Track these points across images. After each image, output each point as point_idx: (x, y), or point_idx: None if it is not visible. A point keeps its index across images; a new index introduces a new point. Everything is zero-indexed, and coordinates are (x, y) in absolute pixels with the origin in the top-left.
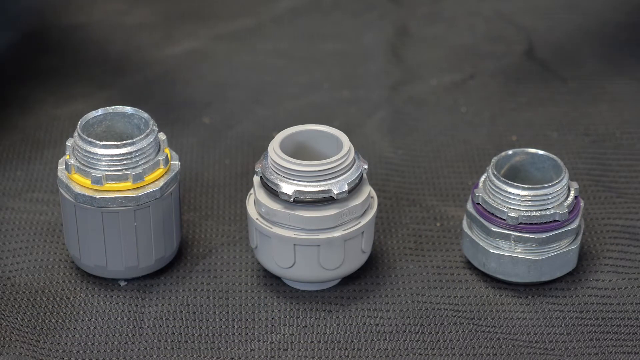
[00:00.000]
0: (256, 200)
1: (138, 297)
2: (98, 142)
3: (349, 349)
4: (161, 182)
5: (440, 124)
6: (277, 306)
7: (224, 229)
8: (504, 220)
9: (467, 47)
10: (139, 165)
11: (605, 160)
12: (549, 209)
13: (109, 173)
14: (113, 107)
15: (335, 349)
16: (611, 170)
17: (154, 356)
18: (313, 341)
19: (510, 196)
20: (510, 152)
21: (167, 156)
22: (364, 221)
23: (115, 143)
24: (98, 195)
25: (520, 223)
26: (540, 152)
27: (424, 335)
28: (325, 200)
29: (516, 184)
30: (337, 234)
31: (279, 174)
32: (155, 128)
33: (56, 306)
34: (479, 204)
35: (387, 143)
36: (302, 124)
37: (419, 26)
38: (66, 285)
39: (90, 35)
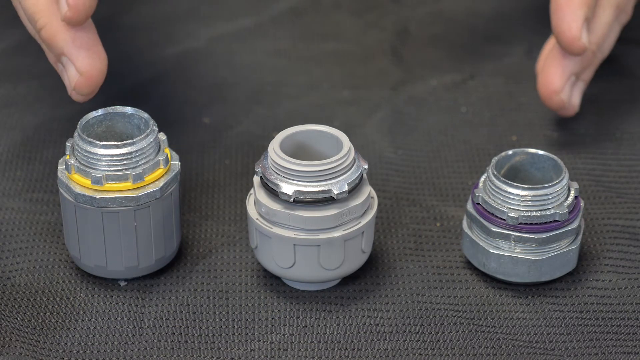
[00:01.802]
0: (256, 200)
1: (138, 297)
2: (98, 142)
3: (349, 349)
4: (161, 182)
5: (440, 124)
6: (277, 306)
7: (224, 229)
8: (504, 220)
9: (467, 47)
10: (139, 165)
11: (605, 160)
12: (549, 209)
13: (109, 173)
14: (113, 107)
15: (335, 349)
16: (611, 170)
17: (154, 356)
18: (313, 341)
19: (510, 196)
20: (510, 152)
21: (167, 156)
22: (364, 221)
23: (115, 143)
24: (98, 195)
25: (520, 223)
26: (540, 152)
27: (424, 335)
28: (325, 200)
29: (516, 184)
30: (337, 234)
31: (279, 174)
32: (155, 128)
33: (56, 306)
34: (479, 204)
35: (387, 143)
36: (302, 124)
37: (419, 26)
38: (66, 285)
39: None
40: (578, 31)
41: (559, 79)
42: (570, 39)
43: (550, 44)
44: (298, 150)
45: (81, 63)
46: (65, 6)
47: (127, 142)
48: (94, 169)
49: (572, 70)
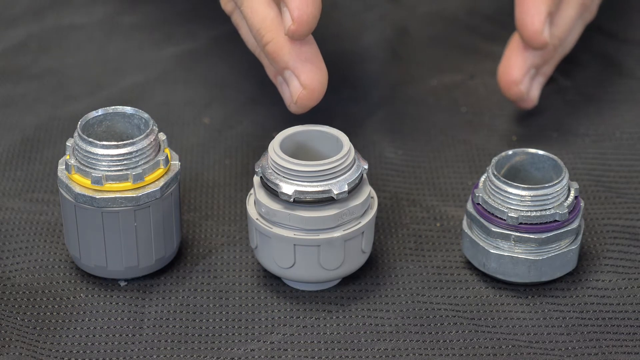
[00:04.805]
0: (256, 200)
1: (138, 297)
2: (98, 142)
3: (349, 349)
4: (161, 182)
5: (440, 124)
6: (277, 306)
7: (224, 229)
8: (504, 220)
9: (467, 47)
10: (139, 166)
11: (605, 160)
12: (549, 209)
13: (109, 173)
14: (113, 107)
15: (335, 349)
16: (611, 170)
17: (154, 356)
18: (313, 341)
19: (510, 196)
20: (510, 152)
21: (167, 156)
22: (364, 221)
23: (115, 143)
24: (98, 196)
25: (520, 223)
26: (540, 152)
27: (424, 335)
28: (325, 200)
29: (516, 184)
30: (337, 234)
31: (279, 174)
32: (155, 128)
33: (56, 306)
34: (479, 204)
35: (387, 143)
36: (302, 124)
37: (419, 26)
38: (66, 285)
39: (90, 35)
40: (541, 25)
41: (518, 70)
42: (533, 33)
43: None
44: (298, 150)
45: (305, 76)
46: (290, 20)
47: (127, 142)
48: (94, 169)
49: (533, 63)
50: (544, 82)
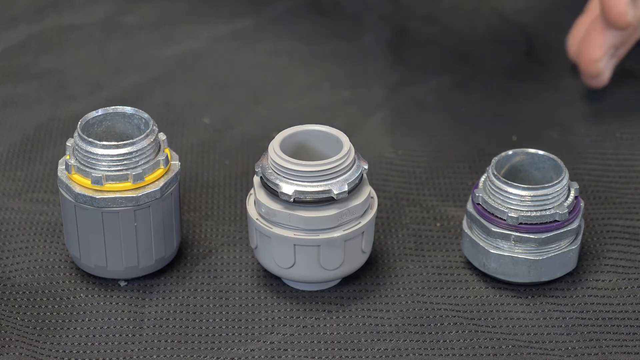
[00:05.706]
0: (256, 200)
1: (138, 297)
2: (98, 142)
3: (349, 349)
4: (161, 182)
5: (440, 124)
6: (277, 306)
7: (224, 229)
8: (504, 220)
9: (467, 47)
10: (139, 166)
11: (605, 160)
12: (549, 209)
13: (109, 173)
14: (113, 107)
15: (335, 349)
16: (611, 170)
17: (154, 356)
18: (313, 341)
19: (510, 196)
20: (510, 152)
21: (167, 156)
22: (364, 221)
23: (115, 143)
24: (98, 196)
25: (520, 223)
26: (540, 152)
27: (424, 335)
28: (325, 200)
29: (516, 184)
30: (337, 234)
31: (279, 174)
32: (155, 128)
33: (56, 306)
34: (479, 204)
35: (387, 143)
36: (302, 124)
37: (419, 26)
38: (66, 285)
39: (90, 35)
40: (625, 6)
41: (599, 49)
42: (617, 14)
43: (587, 18)
44: (298, 150)
45: None
46: None
47: (127, 142)
48: (94, 169)
49: (613, 43)
50: (616, 64)
